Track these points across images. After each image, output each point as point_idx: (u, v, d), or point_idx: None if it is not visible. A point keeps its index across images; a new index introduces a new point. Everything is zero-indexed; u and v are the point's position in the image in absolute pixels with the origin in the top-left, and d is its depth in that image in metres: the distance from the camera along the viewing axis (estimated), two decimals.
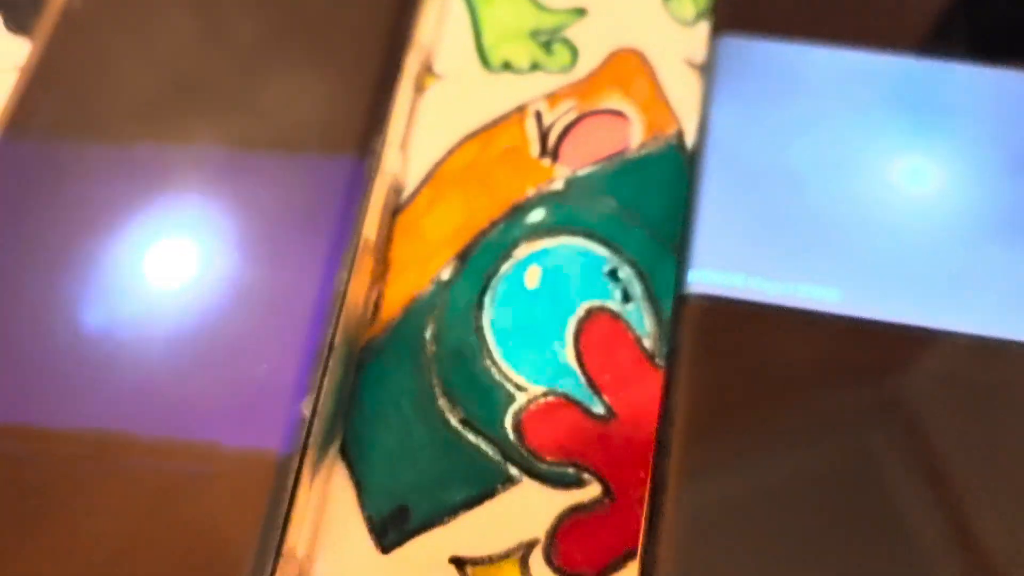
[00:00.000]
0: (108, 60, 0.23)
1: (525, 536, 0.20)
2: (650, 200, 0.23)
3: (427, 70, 0.25)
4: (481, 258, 0.22)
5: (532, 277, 0.22)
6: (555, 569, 0.19)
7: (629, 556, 0.19)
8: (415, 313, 0.22)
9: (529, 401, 0.21)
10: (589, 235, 0.22)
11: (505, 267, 0.22)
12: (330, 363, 0.20)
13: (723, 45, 0.23)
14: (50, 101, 0.23)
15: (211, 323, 0.20)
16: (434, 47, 0.25)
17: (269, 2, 0.24)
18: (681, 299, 0.20)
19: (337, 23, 0.23)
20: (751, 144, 0.22)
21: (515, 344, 0.22)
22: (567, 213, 0.23)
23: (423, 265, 0.22)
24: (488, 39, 0.25)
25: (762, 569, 0.18)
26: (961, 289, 0.20)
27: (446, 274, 0.22)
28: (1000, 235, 0.21)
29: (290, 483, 0.19)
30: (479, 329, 0.22)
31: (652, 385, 0.21)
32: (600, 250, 0.22)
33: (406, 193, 0.23)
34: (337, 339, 0.20)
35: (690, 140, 0.23)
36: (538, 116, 0.24)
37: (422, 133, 0.24)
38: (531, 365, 0.21)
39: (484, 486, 0.20)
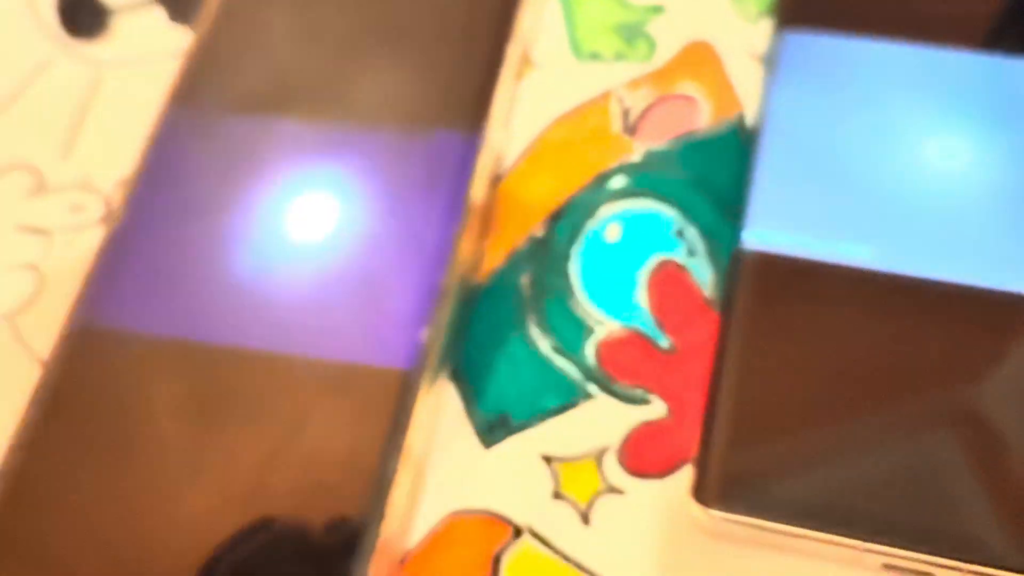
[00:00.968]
0: (258, 45, 0.25)
1: (601, 442, 0.21)
2: (714, 173, 0.24)
3: (526, 59, 0.26)
4: (571, 218, 0.24)
5: (613, 233, 0.24)
6: (624, 469, 0.21)
7: (685, 462, 0.21)
8: (514, 263, 0.23)
9: (607, 334, 0.22)
10: (661, 200, 0.24)
11: (591, 225, 0.24)
12: (445, 301, 0.21)
13: (784, 39, 0.24)
14: (209, 80, 0.24)
15: (349, 265, 0.22)
16: (532, 39, 0.26)
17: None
18: (737, 254, 0.22)
19: (452, 18, 0.24)
20: (805, 123, 0.23)
21: (598, 287, 0.23)
22: (644, 181, 0.24)
23: (521, 224, 0.24)
24: (579, 32, 0.26)
25: (792, 479, 0.19)
26: (991, 248, 0.21)
27: (540, 231, 0.24)
28: None
29: (411, 396, 0.20)
30: (567, 275, 0.23)
31: (709, 326, 0.22)
32: (670, 213, 0.24)
33: (506, 164, 0.24)
34: (451, 281, 0.21)
35: (752, 119, 0.24)
36: (620, 100, 0.25)
37: (521, 113, 0.25)
38: (609, 305, 0.23)
39: (569, 400, 0.22)
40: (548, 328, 0.23)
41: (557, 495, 0.21)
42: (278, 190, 0.23)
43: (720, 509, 0.19)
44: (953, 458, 0.19)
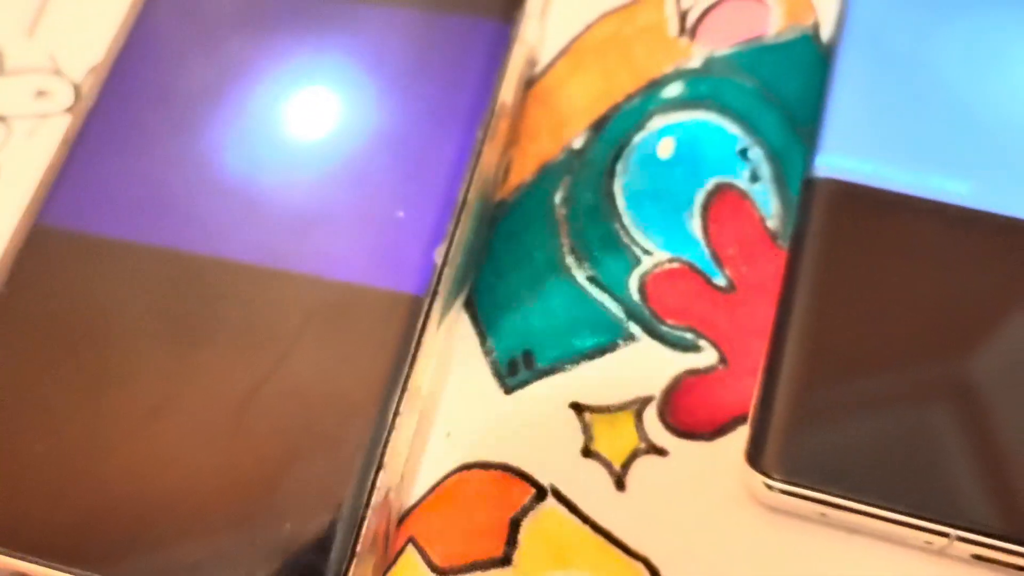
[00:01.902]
0: None
1: (641, 392, 0.21)
2: (786, 84, 0.23)
3: None
4: (615, 128, 0.23)
5: (665, 148, 0.22)
6: (667, 426, 0.20)
7: (738, 421, 0.20)
8: (546, 177, 0.22)
9: (654, 265, 0.22)
10: (724, 112, 0.23)
11: (639, 137, 0.23)
12: (463, 216, 0.20)
13: None
14: None
15: (355, 169, 0.21)
16: None
17: None
18: (809, 182, 0.21)
19: None
20: (888, 37, 0.22)
21: (644, 210, 0.22)
22: (704, 89, 0.23)
23: (555, 133, 0.23)
24: None
25: (868, 447, 0.18)
26: None
27: (578, 142, 0.23)
28: None
29: (419, 324, 0.19)
30: (610, 195, 0.22)
31: (773, 264, 0.21)
32: (733, 128, 0.22)
33: (541, 65, 0.24)
34: (471, 195, 0.21)
35: (827, 32, 0.23)
36: None
37: (561, 4, 0.24)
38: (658, 231, 0.22)
39: (607, 340, 0.21)
40: (584, 255, 0.22)
41: (587, 452, 0.20)
42: (273, 78, 0.22)
43: (780, 479, 0.19)
44: None
